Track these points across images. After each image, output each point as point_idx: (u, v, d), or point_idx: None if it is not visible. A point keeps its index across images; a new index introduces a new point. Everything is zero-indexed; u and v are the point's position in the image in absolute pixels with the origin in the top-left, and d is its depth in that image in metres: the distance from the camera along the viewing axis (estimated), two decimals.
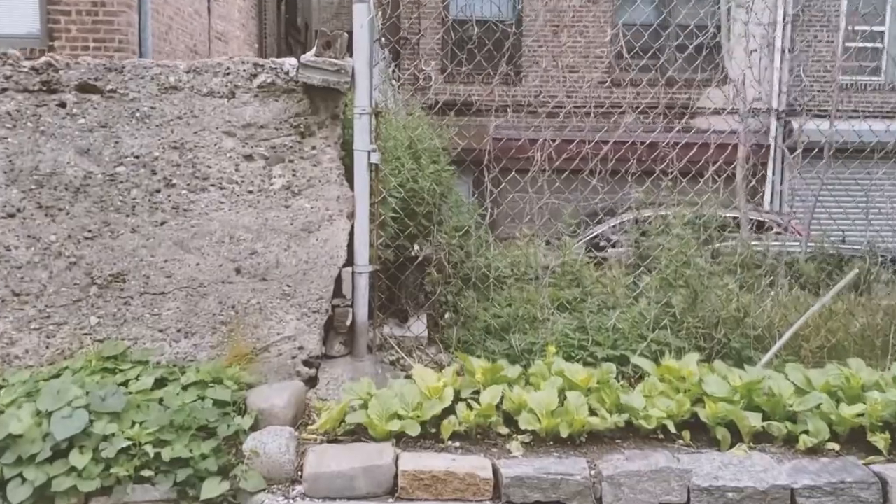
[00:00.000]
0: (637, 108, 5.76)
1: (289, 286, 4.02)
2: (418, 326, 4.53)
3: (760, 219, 8.15)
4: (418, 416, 3.48)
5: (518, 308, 4.73)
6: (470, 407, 3.58)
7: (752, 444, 3.58)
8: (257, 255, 4.00)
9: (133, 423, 3.31)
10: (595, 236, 8.24)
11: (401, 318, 4.64)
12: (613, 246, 6.76)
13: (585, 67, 14.91)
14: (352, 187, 4.07)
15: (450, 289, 4.77)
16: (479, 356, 4.32)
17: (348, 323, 4.09)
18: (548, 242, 5.90)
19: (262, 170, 3.99)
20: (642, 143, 5.34)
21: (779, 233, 7.13)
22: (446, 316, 4.67)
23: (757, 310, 4.70)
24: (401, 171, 4.69)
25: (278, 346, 4.01)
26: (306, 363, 4.04)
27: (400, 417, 3.45)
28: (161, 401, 3.48)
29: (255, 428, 3.50)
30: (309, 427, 3.57)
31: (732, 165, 5.10)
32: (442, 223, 4.87)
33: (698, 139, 5.37)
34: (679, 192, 5.16)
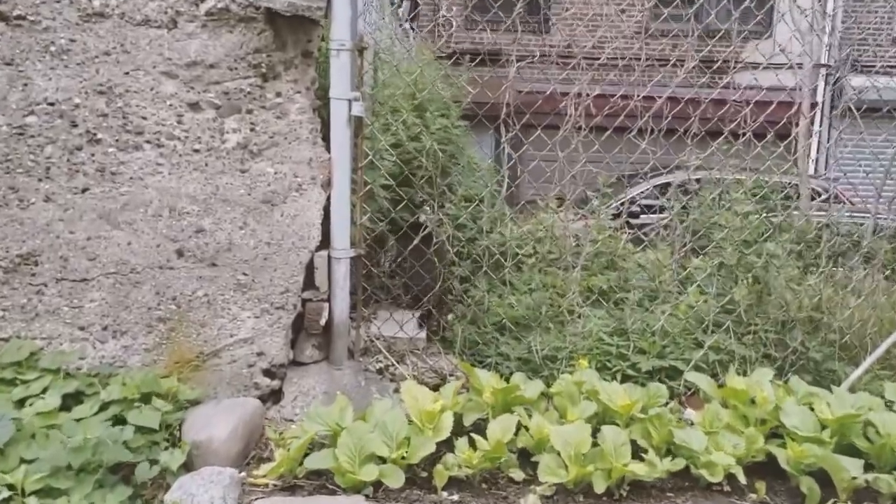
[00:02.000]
0: (671, 61, 4.81)
1: (245, 274, 3.18)
2: (414, 325, 3.69)
3: (813, 187, 7.19)
4: (404, 458, 2.66)
5: (540, 299, 3.87)
6: (474, 444, 2.75)
7: (850, 503, 2.73)
8: (205, 233, 3.15)
9: (20, 463, 2.51)
10: (633, 201, 7.35)
11: (393, 315, 3.80)
12: (654, 211, 5.80)
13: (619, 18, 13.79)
14: (329, 148, 3.21)
15: (456, 275, 3.92)
16: (489, 364, 3.49)
17: (323, 322, 3.26)
18: (581, 206, 5.03)
19: (211, 122, 3.13)
20: (684, 100, 4.39)
21: (825, 201, 6.18)
22: (450, 316, 3.81)
23: (840, 306, 3.81)
24: (400, 127, 3.81)
25: (231, 350, 3.19)
26: (267, 373, 3.22)
27: (379, 460, 2.62)
28: (65, 428, 2.67)
29: (188, 467, 2.70)
30: (260, 469, 2.75)
31: (778, 126, 4.14)
32: (447, 192, 4.00)
33: (748, 96, 4.40)
34: (727, 155, 4.22)
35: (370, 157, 3.34)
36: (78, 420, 2.76)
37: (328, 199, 3.24)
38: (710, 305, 3.71)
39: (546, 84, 4.11)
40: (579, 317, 3.61)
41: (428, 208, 4.10)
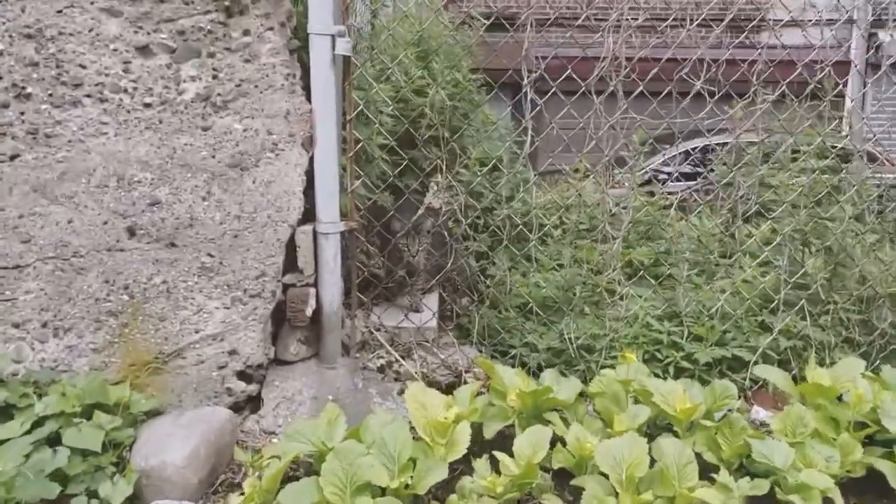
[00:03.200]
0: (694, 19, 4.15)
1: (211, 256, 2.62)
2: (423, 311, 3.13)
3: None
4: (407, 486, 2.11)
5: (572, 277, 3.29)
6: (497, 465, 2.19)
7: None
8: (160, 206, 2.60)
9: None
10: (665, 164, 6.78)
11: (396, 300, 3.24)
12: (683, 178, 5.15)
13: None
14: (309, 98, 2.64)
15: (471, 250, 3.35)
16: (513, 356, 2.93)
17: (309, 311, 2.70)
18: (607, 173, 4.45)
19: (164, 70, 2.57)
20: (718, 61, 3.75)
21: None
22: (464, 300, 3.25)
23: None
24: (401, 76, 3.23)
25: (197, 349, 2.64)
26: (242, 375, 2.68)
27: (377, 490, 2.07)
28: None
29: (137, 500, 2.16)
30: (229, 502, 2.21)
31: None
32: (459, 155, 3.42)
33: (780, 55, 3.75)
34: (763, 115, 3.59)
35: (361, 109, 2.76)
36: (2, 442, 2.23)
37: (311, 160, 2.67)
38: (777, 280, 3.12)
39: (569, 48, 3.47)
40: (621, 298, 3.02)
41: (438, 175, 3.54)
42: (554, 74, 3.12)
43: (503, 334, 3.19)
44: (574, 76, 2.96)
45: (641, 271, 3.19)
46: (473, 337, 3.16)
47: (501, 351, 3.19)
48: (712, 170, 4.63)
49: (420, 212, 3.01)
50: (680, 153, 7.69)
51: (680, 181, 5.05)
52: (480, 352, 3.17)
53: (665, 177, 6.03)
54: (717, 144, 4.90)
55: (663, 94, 2.99)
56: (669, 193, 4.32)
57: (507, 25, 3.36)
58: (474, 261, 3.65)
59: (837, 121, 4.25)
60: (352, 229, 2.75)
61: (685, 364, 2.88)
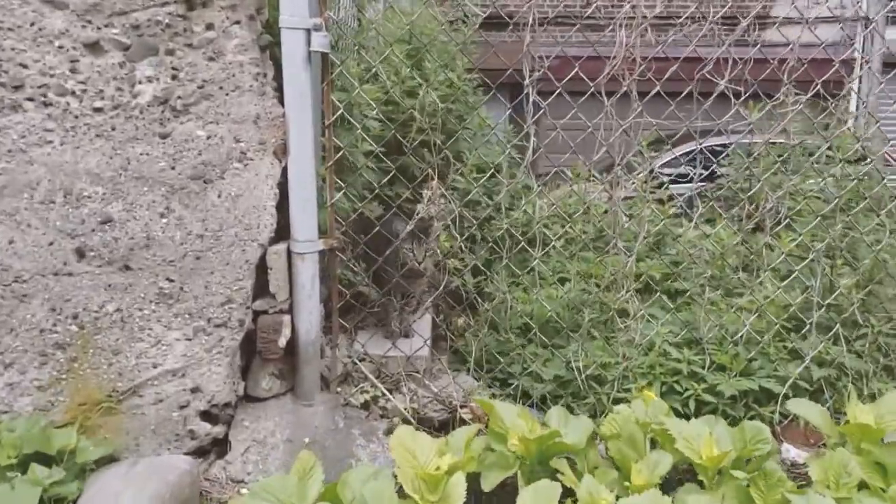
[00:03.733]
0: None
1: (171, 280, 2.33)
2: (413, 337, 2.83)
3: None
4: None
5: (579, 296, 3.00)
6: None
7: None
8: (113, 224, 2.30)
9: None
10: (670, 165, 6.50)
11: (382, 326, 2.95)
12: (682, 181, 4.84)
13: None
14: (282, 101, 2.34)
15: (468, 265, 3.05)
16: (514, 386, 2.65)
17: (283, 342, 2.41)
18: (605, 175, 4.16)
19: (117, 69, 2.27)
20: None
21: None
22: (460, 321, 2.96)
23: None
24: (390, 76, 2.94)
25: (156, 386, 2.34)
26: (207, 416, 2.38)
27: None
28: None
29: None
30: None
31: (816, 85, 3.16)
32: (453, 161, 3.13)
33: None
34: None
35: (342, 112, 2.46)
36: None
37: (284, 171, 2.37)
38: (805, 300, 2.83)
39: (571, 46, 3.16)
40: (632, 318, 2.72)
41: (431, 184, 3.25)
42: (556, 75, 2.82)
43: (502, 361, 2.89)
44: (582, 76, 2.66)
45: (657, 292, 2.88)
46: (470, 364, 2.87)
47: (501, 379, 2.90)
48: (718, 173, 4.34)
49: (409, 227, 2.70)
50: (683, 154, 7.45)
51: (680, 181, 4.74)
52: (477, 380, 2.87)
53: (664, 179, 5.74)
54: (720, 146, 4.60)
55: (683, 94, 2.69)
56: (670, 198, 4.03)
57: (507, 19, 3.07)
58: (471, 277, 3.36)
59: (853, 122, 3.97)
60: (332, 248, 2.45)
61: (707, 397, 2.59)
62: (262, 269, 2.40)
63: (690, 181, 3.58)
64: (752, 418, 2.65)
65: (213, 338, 2.35)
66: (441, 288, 2.73)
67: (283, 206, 2.41)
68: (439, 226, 2.71)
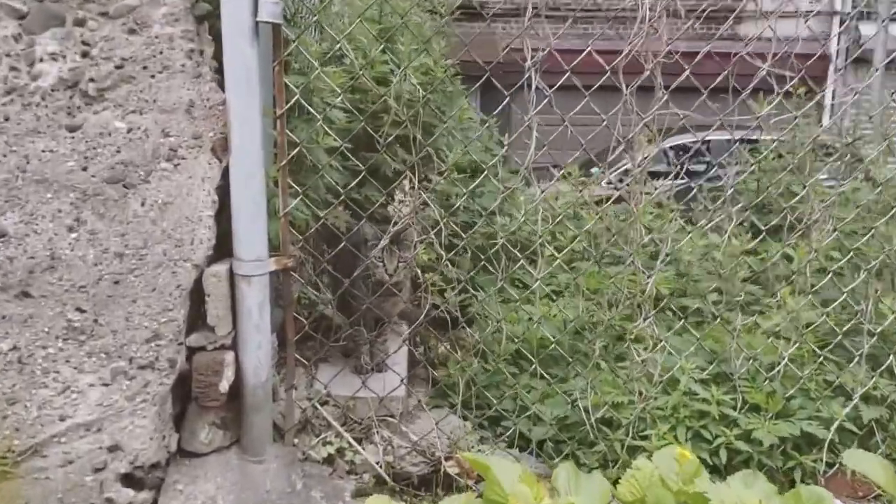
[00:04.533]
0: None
1: (82, 311, 1.87)
2: (386, 373, 2.39)
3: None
4: None
5: (574, 312, 2.59)
6: None
7: None
8: (8, 240, 1.85)
9: None
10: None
11: (350, 359, 2.50)
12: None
13: None
14: (223, 85, 1.90)
15: (453, 283, 2.63)
16: (509, 430, 2.23)
17: (225, 385, 1.97)
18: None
19: (11, 44, 1.82)
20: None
21: None
22: (439, 349, 2.54)
23: None
24: (358, 58, 2.50)
25: (64, 444, 1.89)
26: (129, 480, 1.93)
27: None
28: None
29: None
30: None
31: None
32: (437, 161, 2.72)
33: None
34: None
35: (297, 99, 2.03)
36: None
37: (226, 173, 1.93)
38: (839, 321, 2.44)
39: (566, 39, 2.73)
40: (651, 349, 2.30)
41: (406, 183, 2.83)
42: (549, 67, 2.40)
43: (493, 400, 2.47)
44: (568, 68, 2.25)
45: (672, 313, 2.47)
46: (455, 401, 2.44)
47: (493, 418, 2.47)
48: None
49: (381, 236, 2.26)
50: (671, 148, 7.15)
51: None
52: (464, 418, 2.45)
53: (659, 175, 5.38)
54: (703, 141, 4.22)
55: (710, 88, 2.28)
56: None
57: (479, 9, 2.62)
58: (453, 294, 2.93)
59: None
60: (286, 268, 2.01)
61: (740, 445, 2.18)
62: (197, 295, 1.95)
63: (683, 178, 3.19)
64: (792, 469, 2.25)
65: (136, 382, 1.90)
66: (423, 316, 2.28)
67: (223, 216, 1.96)
68: (415, 232, 2.28)
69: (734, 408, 2.26)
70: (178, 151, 1.89)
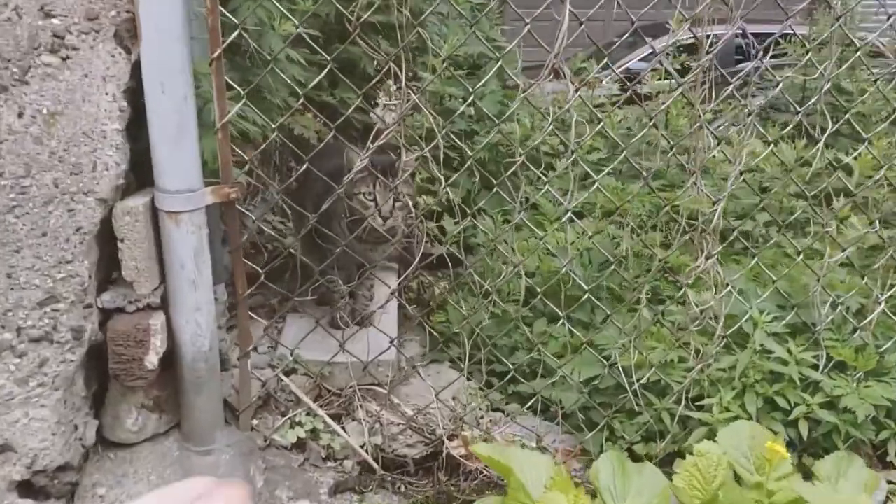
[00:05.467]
0: None
1: None
2: (371, 331, 1.90)
3: None
4: None
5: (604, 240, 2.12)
6: None
7: None
8: None
9: None
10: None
11: (323, 310, 2.01)
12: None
13: None
14: None
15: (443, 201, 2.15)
16: (531, 397, 1.79)
17: (153, 359, 1.49)
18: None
19: None
20: None
21: None
22: (436, 288, 2.07)
23: None
24: None
25: None
26: (28, 489, 1.47)
27: None
28: None
29: None
30: None
31: None
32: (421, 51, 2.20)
33: None
34: None
35: None
36: None
37: (137, 70, 1.39)
38: None
39: None
40: (716, 295, 1.80)
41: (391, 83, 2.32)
42: None
43: (502, 349, 2.02)
44: None
45: (746, 254, 1.98)
46: (464, 366, 1.97)
47: (502, 373, 2.02)
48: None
49: (367, 155, 1.72)
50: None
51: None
52: (468, 376, 1.99)
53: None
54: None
55: None
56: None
57: None
58: (451, 219, 2.45)
59: None
60: (229, 200, 1.50)
61: (823, 414, 1.74)
62: (108, 241, 1.45)
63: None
64: (885, 441, 1.82)
65: (27, 361, 1.42)
66: (418, 259, 1.76)
67: (140, 131, 1.45)
68: (412, 158, 1.75)
69: (815, 367, 1.80)
70: (65, 39, 1.35)
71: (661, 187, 2.76)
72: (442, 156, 2.14)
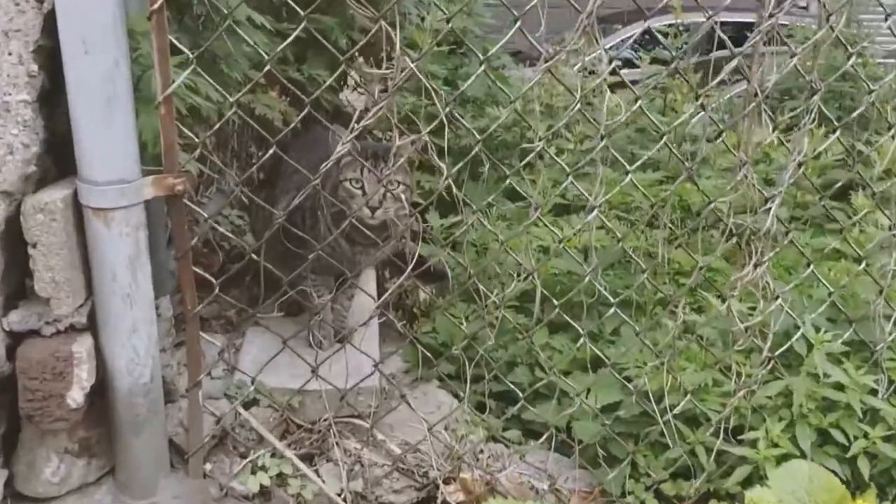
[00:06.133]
0: None
1: None
2: (350, 351, 1.60)
3: None
4: None
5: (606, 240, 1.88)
6: None
7: None
8: None
9: None
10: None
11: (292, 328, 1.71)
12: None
13: None
14: None
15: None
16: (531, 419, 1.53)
17: (77, 395, 1.19)
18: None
19: None
20: None
21: None
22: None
23: None
24: None
25: None
26: None
27: None
28: None
29: None
30: None
31: None
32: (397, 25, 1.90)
33: None
34: None
35: None
36: None
37: (51, 23, 1.09)
38: None
39: None
40: (764, 307, 1.52)
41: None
42: None
43: (498, 360, 1.74)
44: None
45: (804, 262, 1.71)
46: (462, 375, 1.68)
47: (499, 394, 1.75)
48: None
49: (347, 138, 1.40)
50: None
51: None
52: (456, 396, 1.71)
53: (618, 63, 4.66)
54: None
55: None
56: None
57: None
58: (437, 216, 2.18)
59: None
60: (174, 193, 1.20)
61: (887, 450, 1.49)
62: (16, 245, 1.15)
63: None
64: None
65: None
66: (410, 265, 1.45)
67: (56, 104, 1.14)
68: (408, 142, 1.45)
69: (873, 391, 1.55)
70: None
71: (662, 179, 2.53)
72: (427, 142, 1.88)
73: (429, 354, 1.69)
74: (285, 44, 1.38)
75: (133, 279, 1.19)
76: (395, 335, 2.10)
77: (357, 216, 1.49)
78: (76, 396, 1.19)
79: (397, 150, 1.54)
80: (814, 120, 1.57)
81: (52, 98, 1.14)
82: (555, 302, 1.57)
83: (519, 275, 1.88)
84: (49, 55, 1.10)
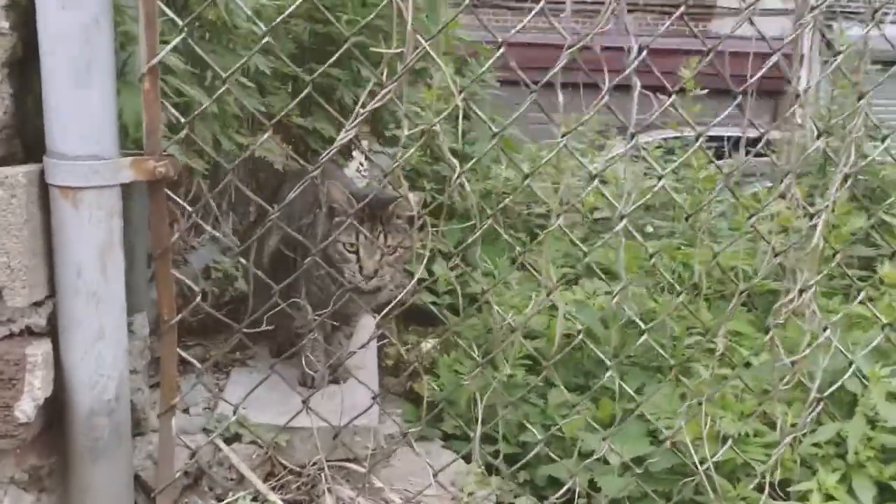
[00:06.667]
0: None
1: None
2: (345, 388, 1.45)
3: None
4: None
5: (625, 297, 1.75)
6: None
7: None
8: None
9: None
10: None
11: (281, 356, 1.55)
12: None
13: None
14: None
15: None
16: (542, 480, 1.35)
17: (28, 409, 1.04)
18: None
19: None
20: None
21: None
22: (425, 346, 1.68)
23: None
24: None
25: None
26: None
27: None
28: None
29: None
30: None
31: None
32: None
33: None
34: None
35: None
36: None
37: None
38: None
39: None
40: (808, 343, 1.37)
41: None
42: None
43: (505, 421, 1.58)
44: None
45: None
46: (452, 427, 1.52)
47: (512, 456, 1.57)
48: None
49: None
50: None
51: None
52: (460, 455, 1.54)
53: None
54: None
55: None
56: None
57: None
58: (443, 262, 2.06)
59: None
60: (155, 178, 1.07)
61: None
62: None
63: None
64: None
65: None
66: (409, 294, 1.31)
67: (29, 72, 1.03)
68: (412, 197, 1.32)
69: None
70: None
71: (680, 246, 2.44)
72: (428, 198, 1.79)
73: (436, 413, 1.54)
74: (291, 105, 1.33)
75: (102, 275, 1.05)
76: (394, 397, 1.96)
77: (352, 282, 1.38)
78: (26, 409, 1.03)
79: (395, 211, 1.44)
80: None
81: (24, 71, 1.04)
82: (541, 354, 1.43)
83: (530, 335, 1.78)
84: (22, 12, 1.00)
